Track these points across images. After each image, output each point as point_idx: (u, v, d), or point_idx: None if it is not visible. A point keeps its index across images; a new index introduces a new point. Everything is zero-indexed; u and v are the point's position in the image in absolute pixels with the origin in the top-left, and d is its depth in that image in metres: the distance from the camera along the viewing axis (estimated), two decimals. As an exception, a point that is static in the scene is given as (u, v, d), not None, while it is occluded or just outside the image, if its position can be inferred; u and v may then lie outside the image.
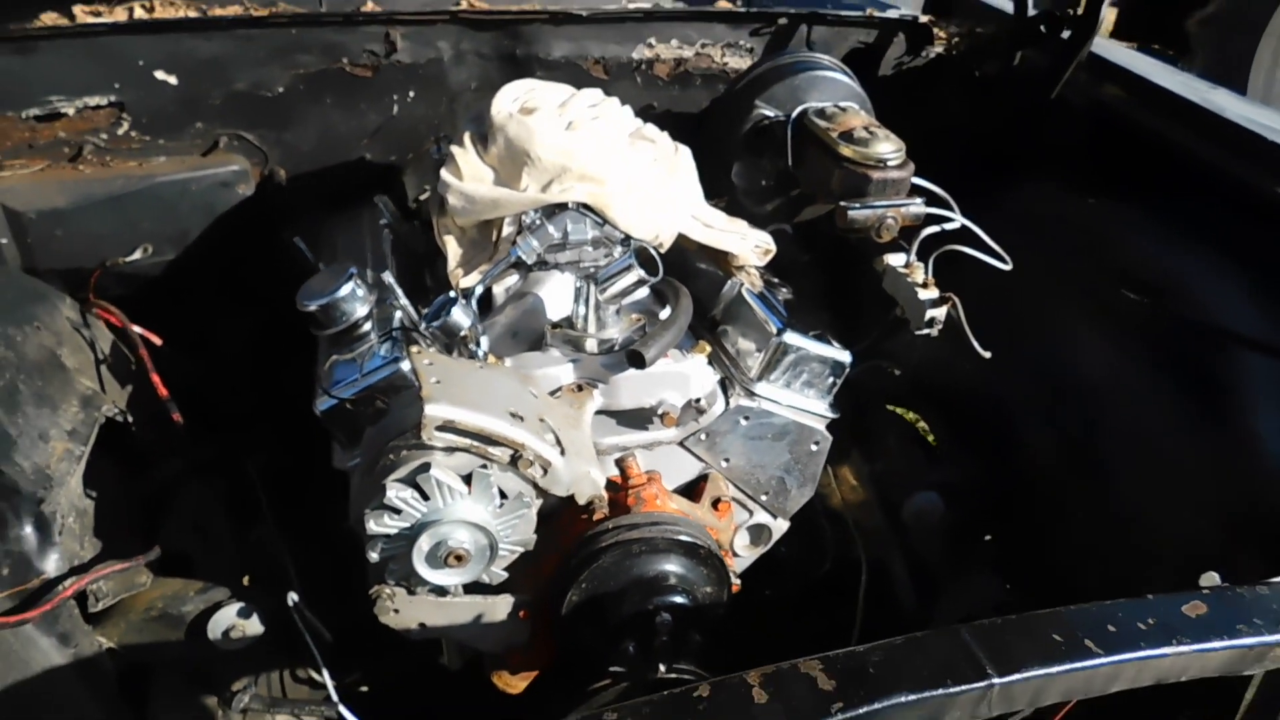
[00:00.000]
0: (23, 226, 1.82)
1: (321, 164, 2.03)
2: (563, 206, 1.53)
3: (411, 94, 2.01)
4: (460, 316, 1.41)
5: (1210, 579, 0.97)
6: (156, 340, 1.84)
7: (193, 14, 1.83)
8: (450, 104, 2.05)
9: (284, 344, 2.08)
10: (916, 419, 2.12)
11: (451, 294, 1.43)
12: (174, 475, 1.70)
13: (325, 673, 1.45)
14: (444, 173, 1.57)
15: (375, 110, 2.01)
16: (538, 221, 1.53)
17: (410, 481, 1.19)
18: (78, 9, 1.78)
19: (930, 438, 2.04)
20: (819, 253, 2.02)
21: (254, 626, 1.44)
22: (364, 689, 1.70)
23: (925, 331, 1.65)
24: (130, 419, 1.70)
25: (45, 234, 1.83)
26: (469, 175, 1.56)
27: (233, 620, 1.42)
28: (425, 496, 1.20)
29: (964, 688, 0.75)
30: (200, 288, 1.99)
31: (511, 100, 1.61)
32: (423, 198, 2.08)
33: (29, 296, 1.64)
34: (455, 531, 1.21)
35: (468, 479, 1.21)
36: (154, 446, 1.75)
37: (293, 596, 1.47)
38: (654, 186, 1.59)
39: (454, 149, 1.59)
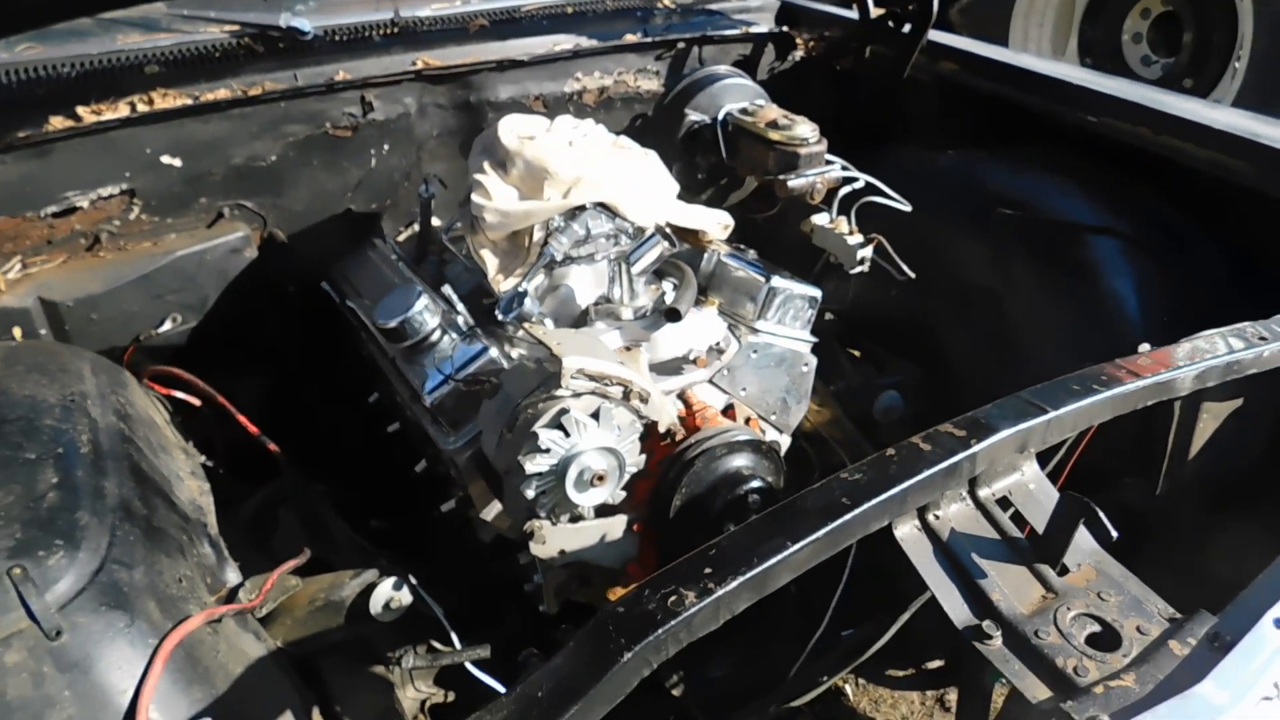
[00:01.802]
0: (59, 316, 1.96)
1: (313, 220, 2.26)
2: (582, 208, 1.86)
3: (386, 147, 2.28)
4: (531, 305, 1.72)
5: (1145, 348, 1.42)
6: (197, 401, 2.03)
7: (188, 101, 2.03)
8: (418, 151, 2.34)
9: (298, 390, 2.31)
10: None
11: (520, 287, 1.74)
12: (263, 502, 1.90)
13: (453, 635, 1.72)
14: (475, 197, 1.88)
15: (356, 166, 2.26)
16: (563, 223, 1.86)
17: (554, 424, 1.50)
18: (81, 109, 1.94)
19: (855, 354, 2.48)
20: (737, 232, 2.45)
21: (406, 596, 1.66)
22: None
23: (858, 269, 2.10)
24: (212, 464, 1.89)
25: (82, 319, 1.97)
26: (497, 195, 1.87)
27: (390, 593, 1.64)
28: (567, 434, 1.50)
29: (1035, 421, 1.16)
30: (220, 348, 2.17)
31: (514, 131, 1.94)
32: (400, 239, 2.36)
33: (114, 368, 1.80)
34: (594, 458, 1.52)
35: (594, 415, 1.53)
36: (233, 486, 1.94)
37: (411, 578, 1.73)
38: (644, 183, 1.96)
39: (478, 176, 1.89)
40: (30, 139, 1.91)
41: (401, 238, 2.40)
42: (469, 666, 1.73)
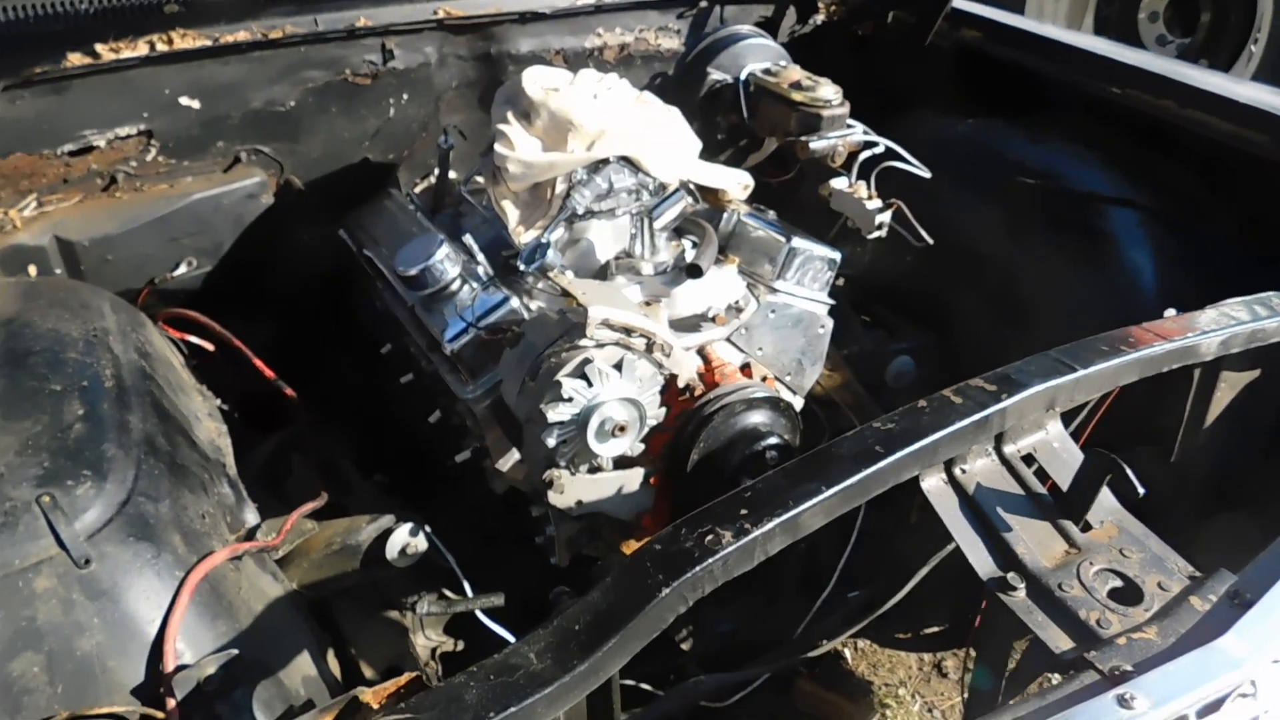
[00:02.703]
0: (75, 255, 1.95)
1: (330, 169, 2.25)
2: (605, 161, 1.85)
3: (405, 97, 2.26)
4: (554, 256, 1.72)
5: (1170, 312, 1.43)
6: (210, 346, 2.02)
7: (208, 42, 2.00)
8: (436, 102, 2.32)
9: (310, 338, 2.30)
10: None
11: (542, 239, 1.73)
12: (278, 448, 1.90)
13: (465, 584, 1.73)
14: (498, 147, 1.86)
15: (374, 115, 2.25)
16: (586, 176, 1.85)
17: (578, 373, 1.50)
18: (100, 47, 1.92)
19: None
20: (753, 196, 2.45)
21: (422, 543, 1.68)
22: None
23: (876, 234, 2.10)
24: (226, 407, 1.89)
25: (98, 259, 1.96)
26: (520, 146, 1.86)
27: (406, 539, 1.65)
28: (590, 384, 1.50)
29: (1064, 379, 1.17)
30: (233, 293, 2.16)
31: (538, 82, 1.92)
32: (417, 190, 2.35)
33: (130, 309, 1.79)
34: (616, 408, 1.53)
35: (616, 366, 1.53)
36: (246, 430, 1.94)
37: (426, 527, 1.74)
38: (668, 138, 1.95)
39: (502, 127, 1.88)
40: (48, 75, 1.89)
41: (418, 189, 2.38)
42: (480, 615, 1.74)
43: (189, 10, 2.04)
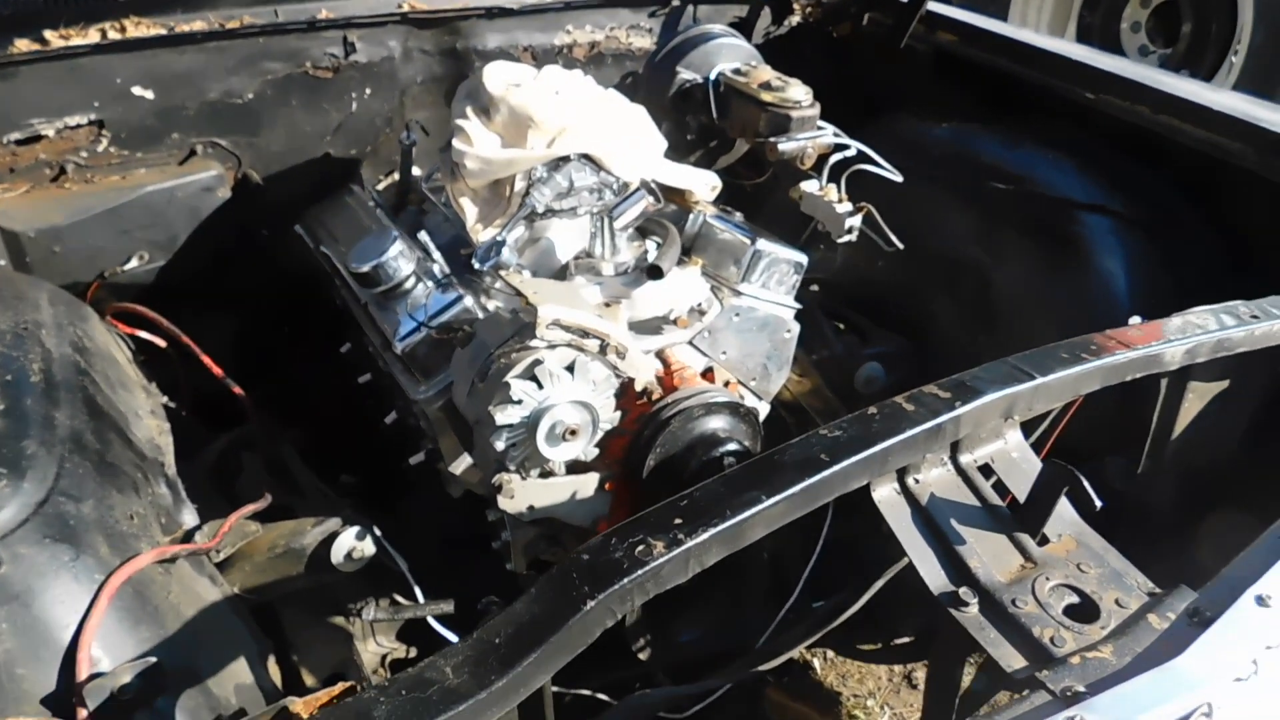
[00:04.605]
0: (21, 247, 1.89)
1: (290, 163, 2.20)
2: (566, 159, 1.81)
3: (368, 91, 2.21)
4: (509, 255, 1.67)
5: (1135, 319, 1.39)
6: (162, 342, 1.97)
7: (162, 31, 1.95)
8: (400, 97, 2.27)
9: (269, 337, 2.25)
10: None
11: (498, 237, 1.69)
12: (227, 448, 1.85)
13: (416, 589, 1.68)
14: (456, 143, 1.82)
15: (336, 109, 2.20)
16: (546, 174, 1.80)
17: (528, 375, 1.45)
18: (50, 34, 1.87)
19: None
20: (723, 196, 2.40)
21: (369, 547, 1.62)
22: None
23: (846, 238, 2.05)
24: (174, 405, 1.84)
25: (44, 251, 1.91)
26: (479, 142, 1.81)
27: (352, 543, 1.60)
28: (540, 386, 1.46)
29: (1022, 386, 1.14)
30: (188, 290, 2.10)
31: (500, 78, 1.87)
32: (380, 186, 2.30)
33: (72, 302, 1.74)
34: (567, 411, 1.48)
35: (569, 368, 1.48)
36: (196, 429, 1.89)
37: (376, 529, 1.69)
38: (632, 137, 1.91)
39: (460, 123, 1.83)
40: (-6, 61, 1.83)
41: (381, 185, 2.33)
42: (432, 622, 1.69)
43: (143, -2, 1.99)
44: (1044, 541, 1.17)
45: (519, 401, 1.45)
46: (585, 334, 1.49)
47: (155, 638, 1.20)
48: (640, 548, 0.90)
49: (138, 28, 1.94)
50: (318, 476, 1.93)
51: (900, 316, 2.30)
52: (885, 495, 1.16)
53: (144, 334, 1.94)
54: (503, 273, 1.57)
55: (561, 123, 1.80)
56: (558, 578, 0.89)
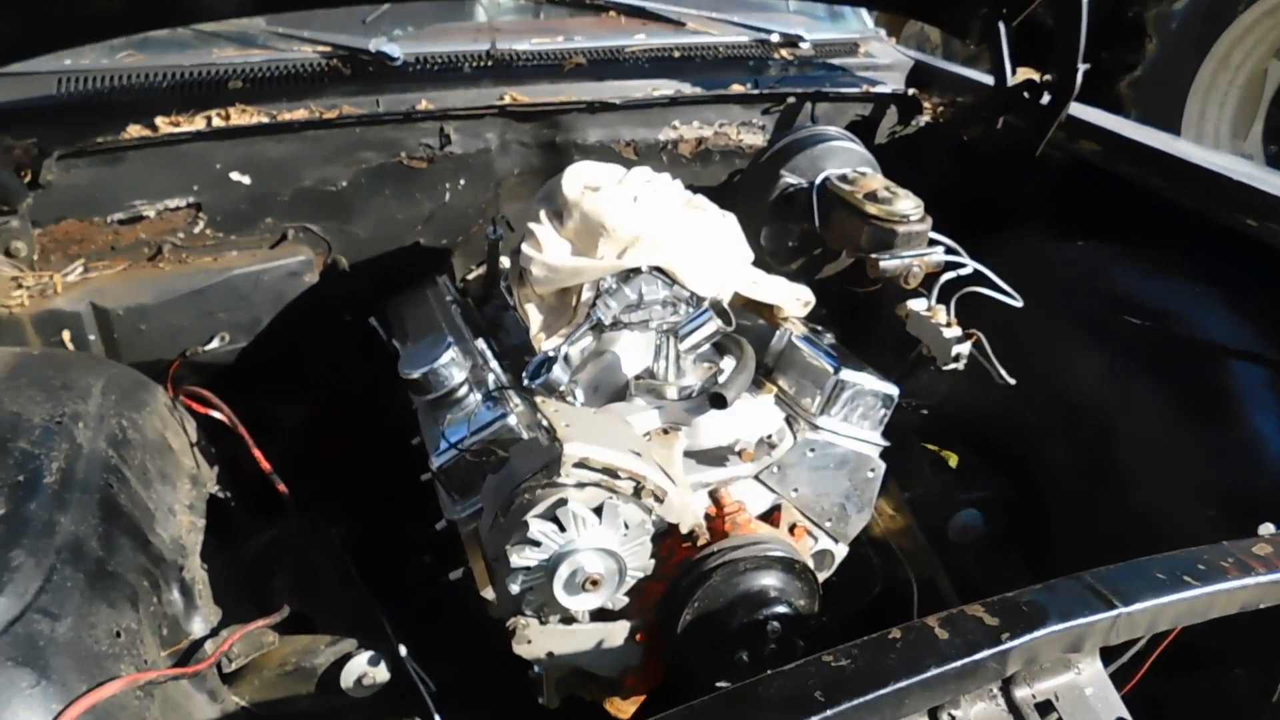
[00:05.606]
0: (110, 323, 1.93)
1: (379, 251, 2.19)
2: (637, 271, 1.70)
3: (462, 182, 2.19)
4: (560, 372, 1.57)
5: (1267, 529, 1.14)
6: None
7: (264, 119, 1.99)
8: (496, 189, 2.23)
9: (342, 424, 2.22)
10: (938, 449, 2.30)
11: (550, 353, 1.59)
12: (267, 545, 1.81)
13: (437, 717, 1.57)
14: (525, 247, 1.75)
15: (429, 198, 2.18)
16: (615, 285, 1.70)
17: (549, 516, 1.33)
18: (160, 120, 1.93)
19: (952, 460, 2.21)
20: (836, 305, 2.22)
21: (382, 674, 1.53)
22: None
23: (952, 366, 1.85)
24: (227, 495, 1.82)
25: (131, 329, 1.95)
26: (549, 248, 1.73)
27: (364, 668, 1.52)
28: (562, 529, 1.33)
29: (1097, 617, 0.92)
30: (268, 372, 2.11)
31: (578, 180, 1.80)
32: (470, 277, 2.26)
33: (138, 384, 1.75)
34: (590, 559, 1.35)
35: (596, 511, 1.35)
36: (246, 520, 1.86)
37: (402, 648, 1.60)
38: (713, 249, 1.78)
39: (532, 225, 1.76)
40: (105, 145, 1.90)
41: (471, 276, 2.30)
42: (447, 757, 1.58)
43: (252, 87, 2.04)
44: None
45: (538, 543, 1.33)
46: (617, 474, 1.36)
47: (119, 771, 1.14)
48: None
49: (241, 115, 1.99)
50: (361, 574, 1.87)
51: (1008, 457, 2.05)
52: (912, 731, 0.97)
53: (216, 414, 1.95)
54: (538, 399, 1.46)
55: (635, 232, 1.70)
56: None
